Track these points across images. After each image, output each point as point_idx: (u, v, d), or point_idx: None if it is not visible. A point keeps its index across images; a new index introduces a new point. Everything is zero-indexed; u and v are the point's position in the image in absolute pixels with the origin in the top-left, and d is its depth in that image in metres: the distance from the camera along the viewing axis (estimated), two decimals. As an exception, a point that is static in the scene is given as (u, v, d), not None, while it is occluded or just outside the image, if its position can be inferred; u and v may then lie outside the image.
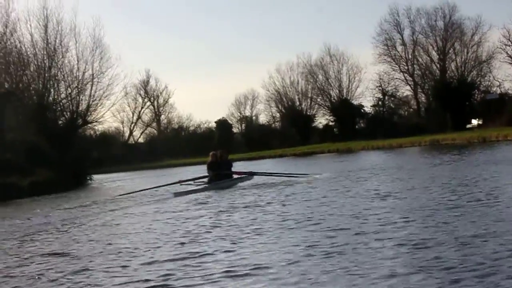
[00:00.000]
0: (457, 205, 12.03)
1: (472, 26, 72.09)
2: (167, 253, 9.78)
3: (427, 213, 11.40)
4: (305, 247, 9.14)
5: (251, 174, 25.51)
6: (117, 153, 78.15)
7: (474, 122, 67.40)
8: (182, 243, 10.57)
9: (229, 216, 13.98)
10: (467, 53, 72.39)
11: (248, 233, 11.10)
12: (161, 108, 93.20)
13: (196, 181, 24.51)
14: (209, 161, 24.73)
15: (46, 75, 48.72)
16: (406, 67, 76.54)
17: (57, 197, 30.92)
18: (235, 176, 25.16)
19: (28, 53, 48.72)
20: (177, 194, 21.72)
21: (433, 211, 11.52)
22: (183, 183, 23.94)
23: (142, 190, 24.63)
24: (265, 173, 26.19)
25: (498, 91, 69.23)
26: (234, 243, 10.12)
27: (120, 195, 24.81)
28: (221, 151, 25.99)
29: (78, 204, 23.23)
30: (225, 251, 9.46)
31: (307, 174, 24.36)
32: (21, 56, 47.65)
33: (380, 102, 77.51)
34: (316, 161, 40.64)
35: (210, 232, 11.71)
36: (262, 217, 13.29)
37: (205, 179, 24.42)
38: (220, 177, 24.12)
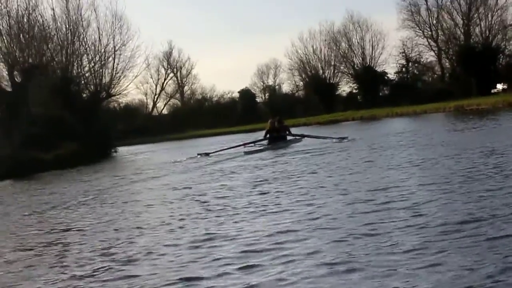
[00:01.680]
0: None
1: (497, -10, 71.04)
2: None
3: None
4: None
5: (303, 137, 29.49)
6: (141, 125, 78.31)
7: (499, 86, 66.73)
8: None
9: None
10: (492, 17, 71.45)
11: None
12: (184, 80, 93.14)
13: (257, 143, 28.51)
14: (268, 127, 29.28)
15: (69, 49, 48.95)
16: (430, 33, 75.74)
17: (79, 170, 31.20)
18: (289, 137, 29.53)
19: (51, 27, 48.96)
20: (247, 153, 26.00)
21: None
22: (247, 145, 28.06)
23: (217, 151, 28.66)
24: (316, 136, 28.82)
25: (523, 55, 68.50)
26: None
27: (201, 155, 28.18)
28: (278, 118, 30.28)
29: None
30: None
31: (346, 137, 27.17)
32: (43, 31, 47.83)
33: (403, 69, 76.90)
34: (341, 129, 40.41)
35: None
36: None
37: (265, 141, 28.67)
38: (277, 139, 28.48)
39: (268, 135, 28.87)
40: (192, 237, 8.90)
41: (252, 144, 28.22)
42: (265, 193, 12.66)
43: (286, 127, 30.71)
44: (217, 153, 28.13)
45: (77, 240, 10.01)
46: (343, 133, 30.15)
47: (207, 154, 27.85)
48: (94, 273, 7.47)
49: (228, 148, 29.00)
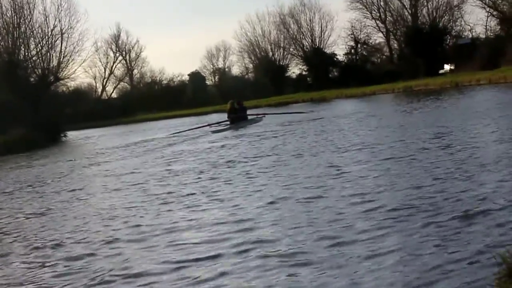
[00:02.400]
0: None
1: (443, -30, 71.76)
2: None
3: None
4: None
5: (264, 115, 33.10)
6: (90, 109, 77.50)
7: (447, 67, 67.57)
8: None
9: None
10: (439, -2, 72.22)
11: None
12: (133, 63, 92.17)
13: (220, 123, 30.98)
14: (228, 108, 31.49)
15: (15, 32, 48.14)
16: (378, 14, 76.19)
17: (30, 155, 30.86)
18: (249, 117, 32.49)
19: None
20: (214, 132, 28.57)
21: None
22: (212, 125, 30.60)
23: (184, 131, 31.54)
24: (274, 113, 33.25)
25: (470, 36, 69.35)
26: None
27: (173, 134, 31.50)
28: (237, 100, 32.61)
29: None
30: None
31: (304, 112, 31.77)
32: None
33: (352, 50, 77.21)
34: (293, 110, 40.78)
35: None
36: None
37: (227, 122, 30.99)
38: (239, 119, 30.91)
39: (228, 116, 31.35)
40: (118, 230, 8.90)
41: (217, 124, 30.87)
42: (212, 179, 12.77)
43: (245, 108, 33.26)
44: (186, 132, 31.18)
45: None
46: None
47: (178, 132, 31.45)
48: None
49: (196, 128, 32.26)
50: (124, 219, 9.73)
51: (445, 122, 18.84)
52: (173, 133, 31.65)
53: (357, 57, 77.06)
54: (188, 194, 11.16)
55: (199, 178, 13.30)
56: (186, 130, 31.89)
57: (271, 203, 9.46)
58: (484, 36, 68.02)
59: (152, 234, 8.37)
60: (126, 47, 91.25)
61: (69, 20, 50.57)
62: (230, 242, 7.35)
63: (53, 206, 12.17)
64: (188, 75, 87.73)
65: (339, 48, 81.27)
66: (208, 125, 31.41)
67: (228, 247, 7.19)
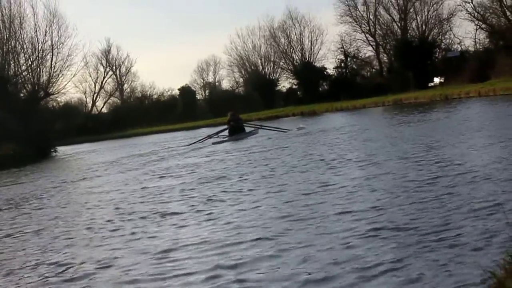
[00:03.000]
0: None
1: (432, -15, 72.19)
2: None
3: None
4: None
5: (260, 128, 34.52)
6: (81, 124, 77.37)
7: (436, 80, 67.84)
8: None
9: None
10: (428, 11, 72.58)
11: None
12: (124, 77, 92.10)
13: (219, 134, 32.76)
14: (228, 119, 33.08)
15: (5, 47, 48.09)
16: (367, 28, 76.61)
17: (20, 171, 30.77)
18: (247, 130, 33.89)
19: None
20: (215, 143, 30.15)
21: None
22: (212, 136, 32.45)
23: (189, 145, 32.43)
24: (269, 127, 33.99)
25: (459, 49, 69.70)
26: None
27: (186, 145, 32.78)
28: (233, 112, 33.96)
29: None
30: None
31: (289, 129, 32.28)
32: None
33: (342, 64, 77.37)
34: (283, 124, 40.78)
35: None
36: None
37: (226, 132, 32.65)
38: (236, 131, 32.24)
39: (227, 126, 33.03)
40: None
41: (216, 136, 32.63)
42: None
43: (240, 120, 34.64)
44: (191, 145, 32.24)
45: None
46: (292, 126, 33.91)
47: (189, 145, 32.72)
48: None
49: (197, 141, 33.02)
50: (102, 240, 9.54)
51: (433, 135, 18.91)
52: (186, 145, 32.94)
53: (347, 71, 77.23)
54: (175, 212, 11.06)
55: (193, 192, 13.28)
56: (195, 142, 32.82)
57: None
58: (473, 49, 68.43)
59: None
60: (116, 61, 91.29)
61: (59, 34, 50.57)
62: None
63: (30, 226, 12.04)
64: (178, 89, 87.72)
65: (329, 61, 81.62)
66: (208, 136, 32.78)
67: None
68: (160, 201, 12.62)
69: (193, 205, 11.40)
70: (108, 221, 11.04)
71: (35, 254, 9.13)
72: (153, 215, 10.91)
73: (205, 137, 33.04)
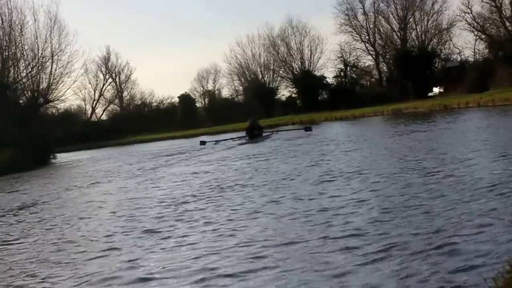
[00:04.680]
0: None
1: (432, -5, 72.40)
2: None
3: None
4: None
5: (276, 132, 39.53)
6: (80, 131, 77.31)
7: (436, 90, 68.01)
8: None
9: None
10: (428, 21, 72.78)
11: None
12: (123, 85, 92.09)
13: (240, 138, 36.67)
14: (248, 126, 37.03)
15: (5, 53, 48.11)
16: (367, 37, 76.79)
17: (15, 177, 30.70)
18: (264, 134, 37.57)
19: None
20: (240, 144, 33.29)
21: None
22: (234, 139, 36.87)
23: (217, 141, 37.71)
24: (285, 129, 40.11)
25: (458, 59, 69.88)
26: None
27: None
28: (254, 118, 38.44)
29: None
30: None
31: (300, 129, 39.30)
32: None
33: (342, 73, 77.48)
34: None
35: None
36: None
37: (245, 138, 36.30)
38: (256, 135, 36.08)
39: (248, 132, 36.67)
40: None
41: (237, 138, 36.79)
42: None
43: (260, 126, 38.58)
44: (218, 143, 37.12)
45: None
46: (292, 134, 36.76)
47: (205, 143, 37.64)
48: None
49: (223, 140, 37.96)
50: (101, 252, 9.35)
51: (433, 146, 18.92)
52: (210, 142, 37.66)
53: (347, 80, 77.34)
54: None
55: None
56: (216, 141, 37.50)
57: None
58: (472, 59, 68.63)
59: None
60: (116, 69, 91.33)
61: (59, 41, 50.63)
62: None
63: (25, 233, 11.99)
64: (178, 97, 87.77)
65: (328, 70, 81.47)
66: (231, 139, 37.32)
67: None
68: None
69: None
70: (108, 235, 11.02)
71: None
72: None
73: (231, 138, 37.81)
